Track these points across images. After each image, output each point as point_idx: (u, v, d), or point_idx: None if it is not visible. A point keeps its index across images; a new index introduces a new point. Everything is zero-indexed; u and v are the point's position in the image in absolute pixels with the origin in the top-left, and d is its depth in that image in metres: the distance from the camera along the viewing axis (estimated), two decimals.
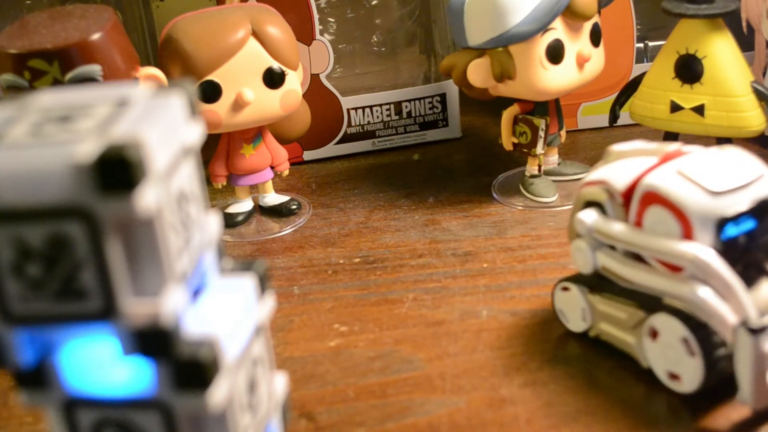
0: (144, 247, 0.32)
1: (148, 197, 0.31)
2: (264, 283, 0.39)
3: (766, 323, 0.41)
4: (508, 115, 0.67)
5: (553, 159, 0.70)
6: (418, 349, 0.52)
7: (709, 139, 0.64)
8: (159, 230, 0.32)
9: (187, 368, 0.33)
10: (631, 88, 0.68)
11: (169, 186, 0.33)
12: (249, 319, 0.38)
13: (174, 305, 0.32)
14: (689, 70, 0.63)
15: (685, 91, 0.64)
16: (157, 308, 0.32)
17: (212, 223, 0.37)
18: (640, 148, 0.48)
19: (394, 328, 0.55)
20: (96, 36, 0.56)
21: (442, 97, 0.80)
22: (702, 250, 0.42)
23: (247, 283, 0.38)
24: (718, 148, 0.46)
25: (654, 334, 0.46)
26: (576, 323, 0.51)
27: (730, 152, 0.45)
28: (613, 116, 0.70)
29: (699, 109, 0.64)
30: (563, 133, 0.70)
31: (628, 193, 0.46)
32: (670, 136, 0.67)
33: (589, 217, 0.47)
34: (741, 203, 0.43)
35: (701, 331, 0.43)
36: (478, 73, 0.64)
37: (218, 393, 0.34)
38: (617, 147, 0.49)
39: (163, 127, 0.32)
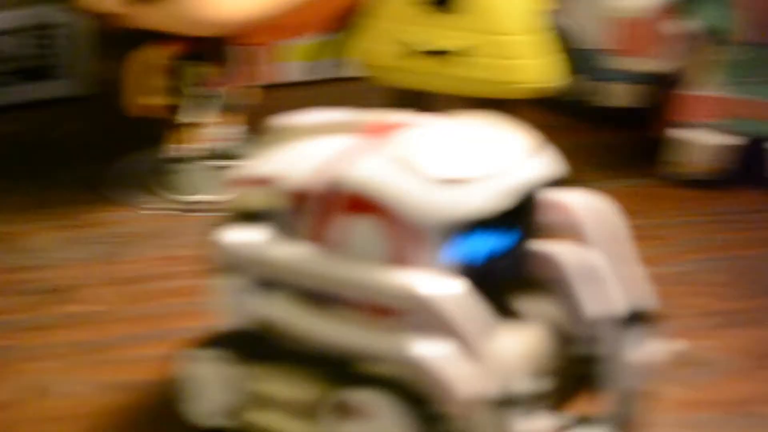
0: None
1: None
2: None
3: (515, 393, 0.37)
4: (143, 59, 0.57)
5: (225, 133, 0.58)
6: None
7: (467, 101, 0.54)
8: None
9: None
10: (357, 21, 0.59)
11: None
12: None
13: None
14: None
15: (433, 25, 0.56)
16: None
17: None
18: (327, 121, 0.41)
19: None
20: None
21: (53, 30, 0.69)
22: (424, 280, 0.37)
23: None
24: (463, 116, 0.41)
25: (345, 415, 0.39)
26: (212, 410, 0.42)
27: (475, 124, 0.40)
28: (328, 64, 0.63)
29: (453, 54, 0.55)
30: (251, 90, 0.60)
31: (308, 197, 0.39)
32: (409, 96, 0.58)
33: (241, 238, 0.40)
34: (485, 199, 0.36)
35: (418, 408, 0.37)
36: None
37: None
38: (289, 121, 0.42)
39: None
